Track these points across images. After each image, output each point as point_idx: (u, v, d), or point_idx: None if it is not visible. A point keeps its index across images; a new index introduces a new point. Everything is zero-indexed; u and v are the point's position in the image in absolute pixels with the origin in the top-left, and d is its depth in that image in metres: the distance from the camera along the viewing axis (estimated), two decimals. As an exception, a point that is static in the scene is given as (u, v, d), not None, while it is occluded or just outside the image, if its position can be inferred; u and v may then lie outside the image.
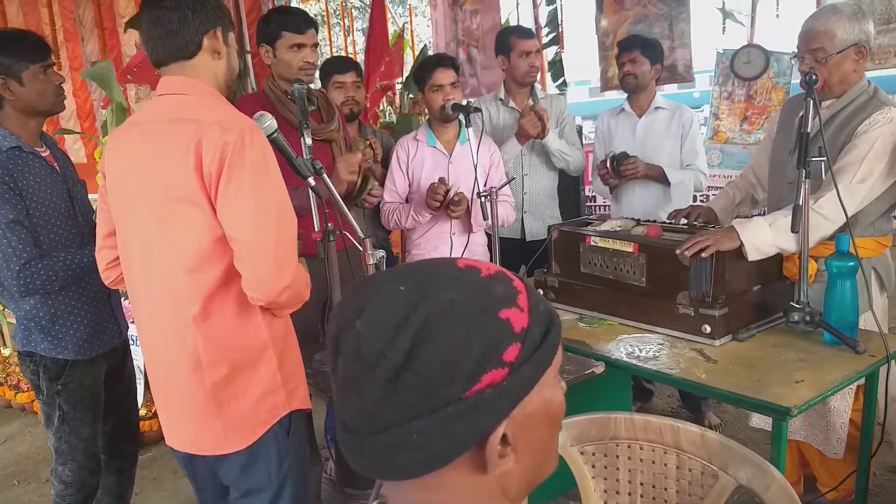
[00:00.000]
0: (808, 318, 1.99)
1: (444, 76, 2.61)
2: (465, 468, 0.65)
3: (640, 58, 2.96)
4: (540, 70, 3.15)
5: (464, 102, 2.63)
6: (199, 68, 1.57)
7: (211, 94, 1.57)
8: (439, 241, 2.72)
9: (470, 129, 2.48)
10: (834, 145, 2.09)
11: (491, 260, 2.61)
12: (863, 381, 1.96)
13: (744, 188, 2.55)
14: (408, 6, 7.38)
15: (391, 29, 6.08)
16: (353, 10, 8.45)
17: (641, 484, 1.26)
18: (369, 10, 7.60)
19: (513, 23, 7.02)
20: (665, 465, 1.23)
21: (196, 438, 1.61)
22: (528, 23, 6.98)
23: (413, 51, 6.77)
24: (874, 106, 2.08)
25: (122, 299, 2.35)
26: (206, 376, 1.54)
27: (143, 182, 1.53)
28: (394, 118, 5.13)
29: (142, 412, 3.18)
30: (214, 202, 1.46)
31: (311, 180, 1.78)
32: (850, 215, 1.97)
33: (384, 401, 0.62)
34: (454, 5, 7.06)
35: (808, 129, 1.92)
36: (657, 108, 3.07)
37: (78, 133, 4.85)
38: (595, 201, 7.20)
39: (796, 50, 2.16)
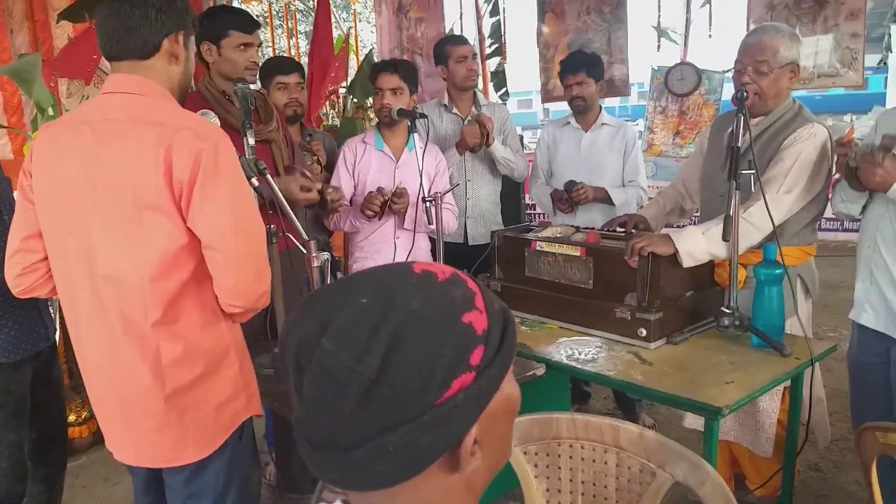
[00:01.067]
0: (737, 323, 2.08)
1: (386, 81, 2.62)
2: (435, 470, 0.66)
3: (587, 79, 3.05)
4: (479, 74, 3.19)
5: (411, 108, 2.64)
6: (155, 70, 1.51)
7: (166, 97, 1.52)
8: (382, 245, 2.72)
9: (415, 135, 2.49)
10: (762, 159, 2.20)
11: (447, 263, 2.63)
12: (788, 382, 2.06)
13: (673, 198, 2.65)
14: (353, 11, 7.35)
15: (335, 33, 6.05)
16: (296, 13, 8.35)
17: (582, 482, 1.29)
18: (313, 14, 7.55)
19: (456, 33, 7.10)
20: (605, 463, 1.27)
21: (154, 451, 1.55)
22: (471, 33, 7.06)
23: (357, 56, 6.75)
24: (799, 122, 2.20)
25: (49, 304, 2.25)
26: (168, 384, 1.48)
27: (98, 186, 1.44)
28: (337, 122, 5.10)
29: (70, 418, 3.06)
30: (185, 210, 1.42)
31: (255, 181, 1.75)
32: (776, 225, 2.07)
33: (357, 416, 0.62)
34: (399, 13, 7.08)
35: (739, 144, 2.01)
36: (603, 124, 3.17)
37: (5, 128, 4.63)
38: (535, 209, 7.33)
39: (736, 63, 2.26)
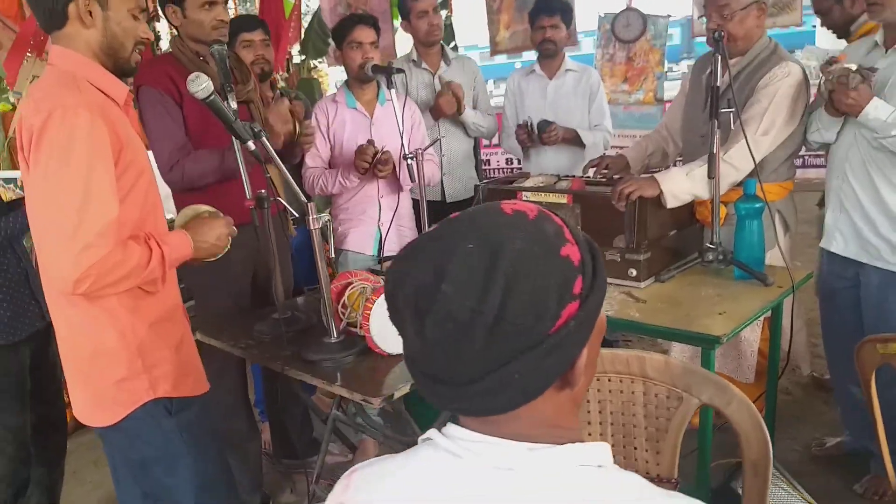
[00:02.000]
0: (721, 257, 2.18)
1: (364, 34, 2.57)
2: (551, 390, 0.72)
3: (560, 23, 3.06)
4: (442, 28, 3.17)
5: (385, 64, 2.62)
6: (70, 37, 1.48)
7: (77, 62, 1.48)
8: (367, 205, 2.70)
9: (392, 91, 2.47)
10: (740, 98, 2.27)
11: (418, 222, 2.64)
12: (769, 313, 2.17)
13: (656, 141, 2.72)
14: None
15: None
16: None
17: (611, 413, 1.35)
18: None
19: (400, -13, 6.98)
20: (633, 392, 1.33)
21: (78, 408, 1.61)
22: (416, -14, 6.95)
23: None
24: (774, 61, 2.27)
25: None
26: (75, 350, 1.56)
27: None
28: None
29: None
30: None
31: (251, 144, 1.72)
32: (756, 164, 2.15)
33: (483, 352, 0.66)
34: (340, -33, 6.90)
35: (718, 84, 2.08)
36: (567, 70, 3.19)
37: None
38: (489, 164, 7.38)
39: (704, 10, 2.31)
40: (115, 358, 1.53)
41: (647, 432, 1.35)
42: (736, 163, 2.18)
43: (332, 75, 8.70)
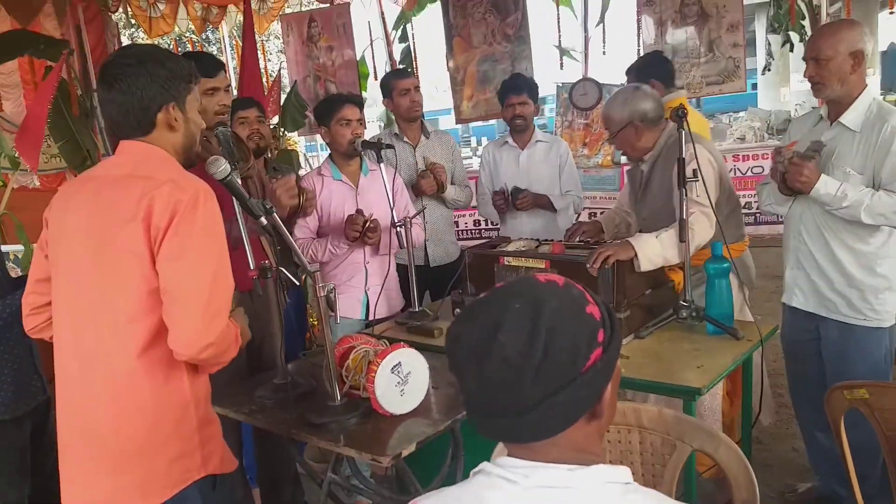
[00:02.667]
0: (694, 314, 2.34)
1: (352, 112, 2.75)
2: (581, 421, 0.90)
3: (528, 100, 3.30)
4: (422, 105, 3.37)
5: (373, 140, 2.78)
6: (157, 140, 1.61)
7: (168, 159, 1.61)
8: (354, 271, 2.82)
9: (382, 165, 2.63)
10: (665, 176, 2.54)
11: (409, 286, 2.76)
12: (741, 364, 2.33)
13: (621, 215, 2.96)
14: (261, 42, 7.37)
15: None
16: (203, 45, 8.26)
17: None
18: (235, 49, 7.48)
19: (367, 59, 7.26)
20: (630, 442, 1.45)
21: (109, 495, 1.58)
22: (382, 59, 7.24)
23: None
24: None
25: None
26: (123, 429, 1.54)
27: (89, 232, 1.55)
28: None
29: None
30: (156, 254, 1.50)
31: (263, 220, 1.84)
32: (712, 230, 2.36)
33: (532, 387, 0.85)
34: (308, 42, 7.17)
35: (684, 155, 2.29)
36: (538, 141, 3.43)
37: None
38: (458, 226, 7.58)
39: None
40: (175, 435, 1.56)
41: (643, 479, 1.46)
42: (697, 228, 2.36)
43: (299, 143, 8.92)
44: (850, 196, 2.16)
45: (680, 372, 2.03)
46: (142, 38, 6.19)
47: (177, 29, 7.13)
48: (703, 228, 2.38)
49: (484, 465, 0.94)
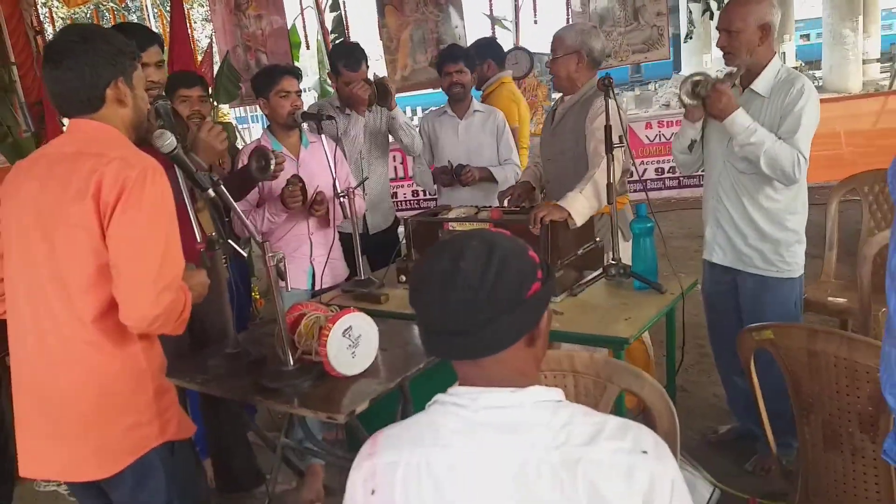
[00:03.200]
0: (622, 271, 2.51)
1: (291, 84, 2.78)
2: (522, 343, 1.06)
3: (465, 68, 3.38)
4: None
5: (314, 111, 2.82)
6: (107, 117, 1.63)
7: (119, 136, 1.64)
8: (299, 242, 2.88)
9: (323, 136, 2.68)
10: (577, 127, 2.76)
11: (353, 254, 2.84)
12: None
13: (537, 169, 3.13)
14: (186, 11, 7.16)
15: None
16: (124, 14, 7.95)
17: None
18: (159, 18, 7.22)
19: (299, 28, 7.17)
20: (566, 386, 1.60)
21: (67, 464, 1.64)
22: (313, 28, 7.17)
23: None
24: (596, 97, 2.69)
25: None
26: (80, 399, 1.60)
27: (39, 208, 1.58)
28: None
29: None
30: (105, 229, 1.54)
31: (211, 192, 1.88)
32: (641, 179, 2.53)
33: (487, 306, 1.01)
34: (237, 11, 7.01)
35: (609, 123, 2.44)
36: (475, 111, 3.52)
37: None
38: (396, 196, 7.64)
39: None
40: (129, 404, 1.62)
41: (579, 419, 1.61)
42: (601, 181, 2.50)
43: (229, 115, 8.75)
44: (759, 133, 2.35)
45: (610, 324, 2.20)
46: (57, 7, 5.92)
47: (95, -3, 6.86)
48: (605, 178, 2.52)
49: (438, 396, 1.09)
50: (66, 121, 1.70)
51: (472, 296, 1.01)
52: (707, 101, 2.43)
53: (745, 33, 2.38)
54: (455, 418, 1.04)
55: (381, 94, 3.14)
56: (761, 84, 2.43)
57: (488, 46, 4.13)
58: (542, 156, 3.05)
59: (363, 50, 3.23)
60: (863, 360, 1.52)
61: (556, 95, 3.48)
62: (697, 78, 2.45)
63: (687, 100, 2.47)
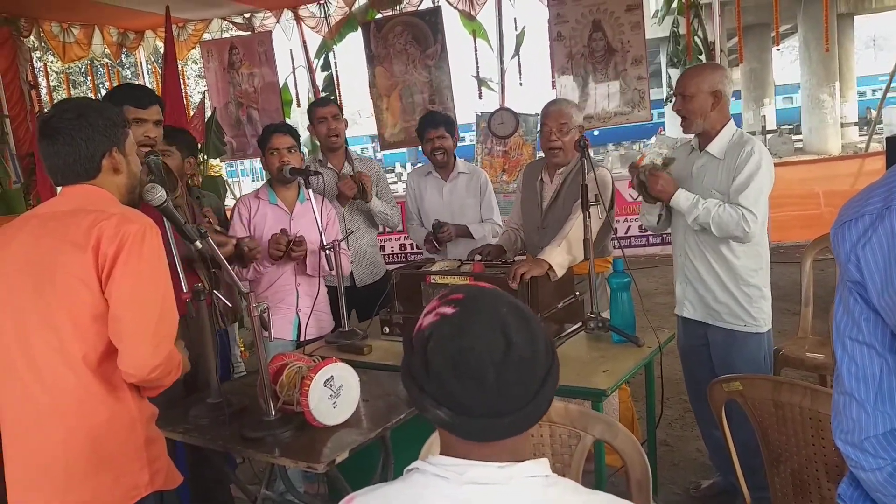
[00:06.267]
0: (600, 325, 2.57)
1: (280, 141, 2.88)
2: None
3: (445, 134, 3.50)
4: (339, 134, 3.44)
5: (303, 167, 2.91)
6: (103, 184, 1.71)
7: (112, 199, 1.71)
8: (285, 294, 2.94)
9: (310, 191, 2.77)
10: (570, 196, 2.85)
11: (339, 307, 2.88)
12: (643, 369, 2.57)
13: (514, 233, 3.21)
14: (180, 68, 7.36)
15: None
16: (119, 70, 8.14)
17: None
18: (153, 75, 7.40)
19: (290, 87, 7.37)
20: (542, 435, 1.63)
21: None
22: (305, 86, 7.37)
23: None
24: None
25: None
26: (70, 451, 1.61)
27: (31, 261, 1.62)
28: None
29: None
30: (104, 282, 1.59)
31: (199, 244, 1.94)
32: (618, 241, 2.62)
33: (538, 378, 0.95)
34: (230, 69, 7.22)
35: (585, 182, 2.54)
36: (460, 172, 3.64)
37: None
38: (384, 250, 7.72)
39: (543, 126, 2.93)
40: (122, 454, 1.64)
41: (554, 468, 1.64)
42: (579, 236, 2.58)
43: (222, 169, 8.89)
44: (703, 205, 2.48)
45: (588, 376, 2.24)
46: (52, 62, 6.07)
47: (91, 54, 7.04)
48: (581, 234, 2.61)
49: (418, 463, 0.99)
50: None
51: (529, 370, 0.93)
52: (646, 184, 2.57)
53: (698, 99, 2.53)
54: (436, 491, 0.94)
55: (360, 189, 3.31)
56: (716, 146, 2.58)
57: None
58: (529, 224, 3.09)
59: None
60: (826, 411, 1.57)
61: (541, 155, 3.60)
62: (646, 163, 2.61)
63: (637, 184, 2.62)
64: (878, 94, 13.07)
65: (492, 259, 2.93)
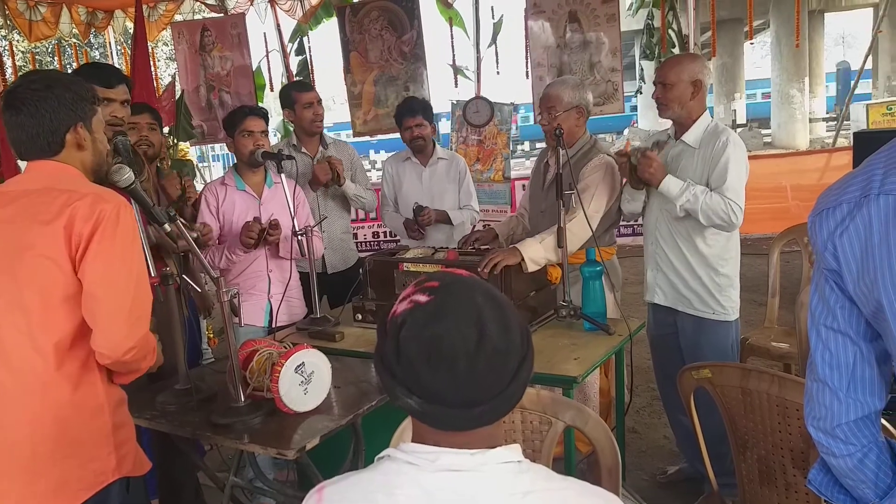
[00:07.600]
0: (572, 313, 2.58)
1: (254, 124, 2.83)
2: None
3: (424, 121, 3.47)
4: (323, 119, 3.47)
5: (275, 151, 2.87)
6: (66, 160, 1.66)
7: (80, 176, 1.68)
8: (257, 280, 2.90)
9: (283, 175, 2.73)
10: (570, 182, 2.76)
11: (311, 292, 2.85)
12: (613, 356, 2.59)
13: (518, 219, 3.20)
14: (150, 49, 7.20)
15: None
16: (87, 50, 7.95)
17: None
18: (123, 55, 7.23)
19: (263, 70, 7.26)
20: (513, 422, 1.64)
21: (22, 500, 1.60)
22: (278, 71, 7.27)
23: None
24: (593, 153, 2.80)
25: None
26: (37, 434, 1.57)
27: (0, 241, 1.57)
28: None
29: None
30: (79, 262, 1.56)
31: (167, 226, 1.90)
32: (593, 232, 2.63)
33: (511, 367, 0.94)
34: (201, 51, 7.09)
35: (560, 171, 2.54)
36: (439, 158, 3.62)
37: None
38: (357, 237, 7.68)
39: (539, 108, 2.87)
40: (89, 438, 1.61)
41: (527, 454, 1.65)
42: (575, 232, 2.63)
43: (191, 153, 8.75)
44: (692, 190, 2.49)
45: (559, 364, 2.25)
46: (18, 41, 5.90)
47: (58, 33, 6.86)
48: (582, 228, 2.64)
49: (389, 450, 0.98)
50: (22, 163, 1.72)
51: (502, 361, 0.92)
52: (638, 167, 2.58)
53: (678, 87, 2.54)
54: (410, 483, 0.93)
55: (334, 174, 3.28)
56: (691, 136, 2.60)
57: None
58: (534, 208, 3.06)
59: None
60: (792, 398, 1.60)
61: (522, 145, 3.58)
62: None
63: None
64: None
65: (480, 245, 2.94)
